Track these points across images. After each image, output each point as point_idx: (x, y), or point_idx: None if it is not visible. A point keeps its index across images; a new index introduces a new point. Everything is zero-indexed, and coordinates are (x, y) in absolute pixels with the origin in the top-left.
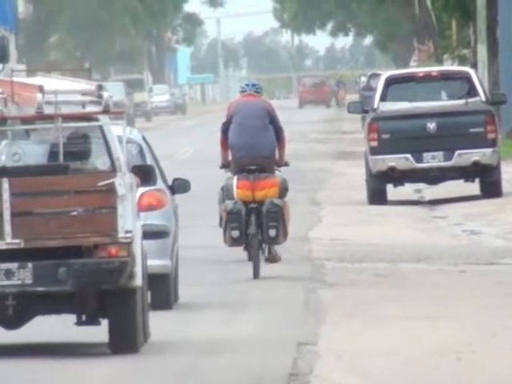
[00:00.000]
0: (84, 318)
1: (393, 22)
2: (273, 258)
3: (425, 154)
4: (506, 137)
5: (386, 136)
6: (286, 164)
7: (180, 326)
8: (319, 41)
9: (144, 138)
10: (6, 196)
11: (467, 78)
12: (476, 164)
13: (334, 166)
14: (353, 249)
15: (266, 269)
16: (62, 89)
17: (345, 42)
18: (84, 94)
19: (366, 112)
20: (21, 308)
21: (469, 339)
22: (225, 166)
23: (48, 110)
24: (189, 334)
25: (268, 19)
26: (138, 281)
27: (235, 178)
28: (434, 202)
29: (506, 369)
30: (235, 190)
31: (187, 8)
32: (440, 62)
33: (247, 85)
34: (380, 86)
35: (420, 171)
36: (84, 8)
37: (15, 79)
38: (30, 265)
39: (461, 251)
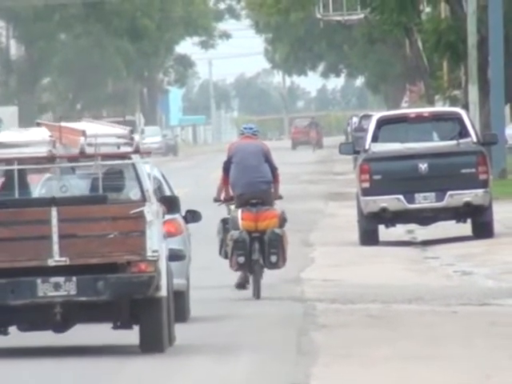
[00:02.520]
0: (119, 323)
1: (384, 63)
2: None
3: (416, 195)
4: (497, 177)
5: (377, 177)
6: (280, 197)
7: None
8: (311, 82)
9: (163, 175)
10: (54, 222)
11: (458, 119)
12: (468, 205)
13: (326, 207)
14: (345, 290)
15: (258, 309)
16: (101, 133)
17: (336, 83)
18: (119, 137)
19: (358, 153)
20: (67, 315)
21: (462, 380)
22: (226, 200)
23: (89, 150)
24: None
25: (259, 60)
26: (164, 292)
27: (239, 211)
28: (426, 243)
29: None
30: (240, 222)
31: (179, 49)
32: (431, 102)
33: (245, 128)
34: (371, 126)
35: (412, 212)
36: (76, 50)
37: (63, 124)
38: (74, 279)
39: (453, 292)
